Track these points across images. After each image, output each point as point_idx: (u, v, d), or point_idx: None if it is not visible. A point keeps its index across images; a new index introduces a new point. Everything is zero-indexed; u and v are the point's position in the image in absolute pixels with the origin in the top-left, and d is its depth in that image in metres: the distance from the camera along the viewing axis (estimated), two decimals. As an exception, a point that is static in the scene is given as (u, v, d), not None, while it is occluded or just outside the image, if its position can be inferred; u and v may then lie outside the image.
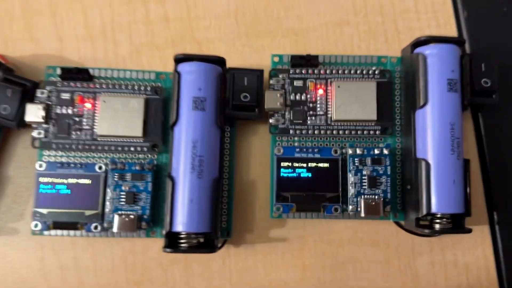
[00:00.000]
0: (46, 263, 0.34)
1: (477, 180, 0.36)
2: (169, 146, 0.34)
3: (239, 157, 0.35)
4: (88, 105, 0.33)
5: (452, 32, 0.37)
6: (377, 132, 0.34)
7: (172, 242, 0.31)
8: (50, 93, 0.33)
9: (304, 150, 0.34)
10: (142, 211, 0.33)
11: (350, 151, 0.34)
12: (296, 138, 0.35)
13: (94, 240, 0.34)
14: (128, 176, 0.33)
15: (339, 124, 0.34)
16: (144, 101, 0.33)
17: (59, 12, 0.37)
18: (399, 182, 0.35)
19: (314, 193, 0.33)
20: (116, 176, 0.33)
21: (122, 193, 0.33)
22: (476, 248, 0.36)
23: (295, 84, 0.34)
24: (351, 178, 0.33)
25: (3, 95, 0.32)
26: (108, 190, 0.33)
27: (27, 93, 0.33)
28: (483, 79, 0.33)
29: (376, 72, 0.34)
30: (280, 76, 0.34)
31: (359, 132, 0.34)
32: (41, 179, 0.33)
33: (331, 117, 0.34)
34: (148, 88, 0.34)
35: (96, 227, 0.32)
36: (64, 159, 0.34)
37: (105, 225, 0.32)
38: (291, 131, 0.34)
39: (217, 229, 0.32)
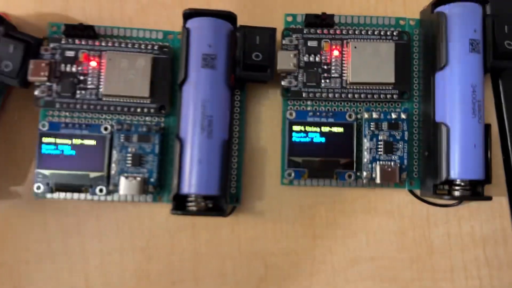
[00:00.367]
0: (49, 228, 0.33)
1: (496, 149, 0.34)
2: (176, 108, 0.32)
3: (248, 122, 0.34)
4: (93, 63, 0.32)
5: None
6: (394, 97, 0.33)
7: (180, 205, 0.30)
8: (54, 50, 0.32)
9: (318, 114, 0.33)
10: (149, 174, 0.31)
11: (366, 115, 0.32)
12: (309, 102, 0.33)
13: (98, 205, 0.33)
14: (135, 137, 0.32)
15: (354, 87, 0.33)
16: (151, 59, 0.32)
17: (63, -30, 0.35)
18: (416, 149, 0.33)
19: (327, 159, 0.32)
20: (122, 138, 0.31)
21: (128, 155, 0.31)
22: (494, 220, 0.34)
23: (309, 44, 0.33)
24: (366, 143, 0.32)
25: (4, 51, 0.31)
26: (114, 152, 0.31)
27: (30, 50, 0.32)
28: (506, 41, 0.32)
29: (394, 33, 0.33)
30: (294, 36, 0.33)
31: (375, 96, 0.33)
32: (44, 139, 0.32)
33: (346, 80, 0.33)
34: (156, 47, 0.33)
35: (101, 190, 0.31)
36: (68, 120, 0.32)
37: (111, 187, 0.31)
38: (304, 94, 0.33)
39: (226, 193, 0.31)
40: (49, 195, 0.32)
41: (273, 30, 0.32)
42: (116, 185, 0.31)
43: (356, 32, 0.33)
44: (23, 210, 0.33)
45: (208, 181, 0.30)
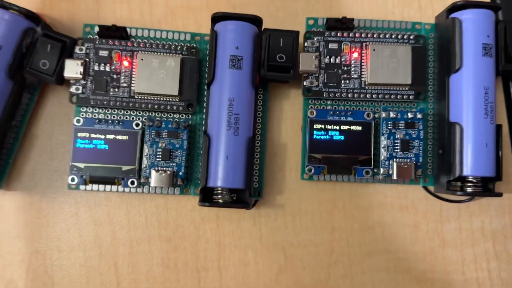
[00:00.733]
0: (80, 218, 0.35)
1: (506, 148, 0.36)
2: (203, 106, 0.34)
3: (271, 120, 0.36)
4: (125, 63, 0.34)
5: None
6: (411, 97, 0.34)
7: (207, 197, 0.32)
8: (88, 50, 0.34)
9: (337, 113, 0.34)
10: (178, 168, 0.33)
11: (383, 115, 0.34)
12: (329, 102, 0.35)
13: (128, 196, 0.35)
14: (164, 133, 0.33)
15: (372, 88, 0.34)
16: (180, 60, 0.34)
17: (95, -27, 0.37)
18: (430, 147, 0.35)
19: (346, 156, 0.34)
20: (152, 133, 0.33)
21: (158, 149, 0.33)
22: (504, 216, 0.36)
23: (330, 46, 0.34)
24: (383, 141, 0.34)
25: (42, 50, 0.33)
26: (145, 147, 0.33)
27: (66, 50, 0.33)
28: (517, 46, 0.33)
29: (411, 37, 0.35)
30: (315, 38, 0.34)
31: (392, 96, 0.34)
32: (79, 134, 0.33)
33: (365, 81, 0.34)
34: (184, 48, 0.34)
35: (132, 182, 0.33)
36: (101, 116, 0.34)
37: (142, 180, 0.33)
38: (324, 94, 0.34)
39: (251, 186, 0.32)
40: (82, 187, 0.34)
41: (296, 33, 0.33)
42: (147, 178, 0.33)
43: (375, 36, 0.35)
44: (56, 201, 0.35)
45: (234, 175, 0.31)
